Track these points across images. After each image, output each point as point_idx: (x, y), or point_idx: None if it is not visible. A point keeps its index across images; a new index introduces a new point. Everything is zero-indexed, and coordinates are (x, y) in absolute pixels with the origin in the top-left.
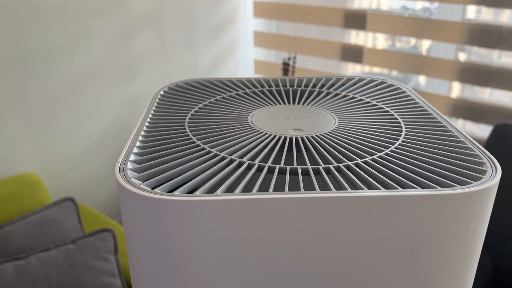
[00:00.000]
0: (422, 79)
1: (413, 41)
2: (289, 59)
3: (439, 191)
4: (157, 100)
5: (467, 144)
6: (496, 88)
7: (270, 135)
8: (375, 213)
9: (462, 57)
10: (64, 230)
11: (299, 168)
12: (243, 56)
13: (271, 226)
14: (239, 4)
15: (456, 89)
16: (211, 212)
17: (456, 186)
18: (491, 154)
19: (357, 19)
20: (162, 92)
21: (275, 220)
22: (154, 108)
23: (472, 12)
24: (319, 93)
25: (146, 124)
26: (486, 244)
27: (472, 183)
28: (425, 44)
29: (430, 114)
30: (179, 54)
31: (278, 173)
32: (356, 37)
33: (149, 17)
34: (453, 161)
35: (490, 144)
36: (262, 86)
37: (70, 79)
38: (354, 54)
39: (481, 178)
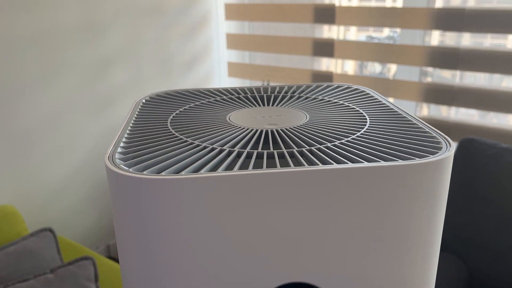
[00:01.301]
0: (390, 101)
1: (379, 68)
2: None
3: (400, 162)
4: (139, 107)
5: (425, 129)
6: (459, 106)
7: (247, 129)
8: (344, 185)
9: (426, 79)
10: (43, 261)
11: (275, 152)
12: (217, 85)
13: (251, 201)
14: (212, 36)
15: (423, 109)
16: (196, 189)
17: (415, 159)
18: (458, 167)
19: (326, 47)
20: (143, 101)
21: (255, 195)
22: (136, 113)
23: (432, 37)
24: (291, 97)
25: (130, 125)
26: (461, 254)
27: (429, 156)
28: (392, 70)
29: (392, 109)
30: (155, 86)
31: (256, 157)
32: (327, 65)
33: (125, 49)
34: (412, 141)
35: (457, 158)
36: (238, 93)
37: (47, 111)
38: (324, 79)
39: (437, 152)
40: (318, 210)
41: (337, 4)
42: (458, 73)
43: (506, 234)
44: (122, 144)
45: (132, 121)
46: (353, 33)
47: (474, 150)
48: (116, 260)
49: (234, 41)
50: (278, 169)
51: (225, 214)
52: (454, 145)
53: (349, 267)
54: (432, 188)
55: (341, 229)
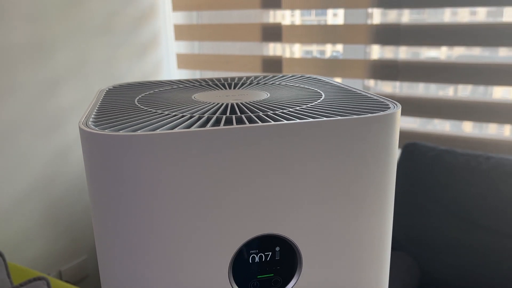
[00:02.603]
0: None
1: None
2: None
3: (355, 117)
4: (104, 93)
5: (374, 97)
6: (401, 114)
7: (214, 103)
8: (307, 138)
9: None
10: None
11: (243, 116)
12: None
13: (211, 157)
14: (162, 56)
15: None
16: (168, 145)
17: (368, 114)
18: (403, 170)
19: (274, 64)
20: (107, 89)
21: (217, 149)
22: (103, 95)
23: (372, 51)
24: (251, 83)
25: (98, 105)
26: (412, 252)
27: (380, 112)
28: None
29: (345, 87)
30: None
31: (225, 122)
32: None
33: (75, 68)
34: (364, 105)
35: (402, 161)
36: (200, 82)
37: None
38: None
39: (386, 110)
40: (275, 164)
41: (283, 23)
42: (398, 84)
43: (451, 230)
44: (93, 115)
45: (100, 101)
46: (298, 51)
47: (417, 153)
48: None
49: (184, 61)
50: (236, 126)
51: (189, 169)
52: (400, 106)
53: (313, 219)
54: (384, 141)
55: (302, 181)
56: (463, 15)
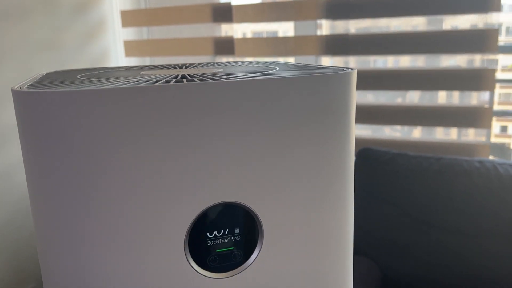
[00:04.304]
0: None
1: None
2: None
3: (313, 74)
4: (45, 73)
5: (330, 67)
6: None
7: (162, 74)
8: (267, 96)
9: None
10: None
11: (184, 79)
12: None
13: (167, 113)
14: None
15: None
16: (115, 100)
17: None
18: (359, 175)
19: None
20: (46, 72)
21: (169, 107)
22: (41, 76)
23: (323, 61)
24: (204, 65)
25: (35, 79)
26: (372, 255)
27: (335, 73)
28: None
29: (302, 64)
30: None
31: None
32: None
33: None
34: (320, 71)
35: (357, 166)
36: (150, 66)
37: None
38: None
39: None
40: (231, 125)
41: (235, 36)
42: None
43: (408, 231)
44: (29, 84)
45: (38, 78)
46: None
47: (371, 158)
48: None
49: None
50: (187, 83)
51: (137, 129)
52: (355, 71)
53: (273, 185)
54: (342, 100)
55: (260, 143)
56: (407, 24)
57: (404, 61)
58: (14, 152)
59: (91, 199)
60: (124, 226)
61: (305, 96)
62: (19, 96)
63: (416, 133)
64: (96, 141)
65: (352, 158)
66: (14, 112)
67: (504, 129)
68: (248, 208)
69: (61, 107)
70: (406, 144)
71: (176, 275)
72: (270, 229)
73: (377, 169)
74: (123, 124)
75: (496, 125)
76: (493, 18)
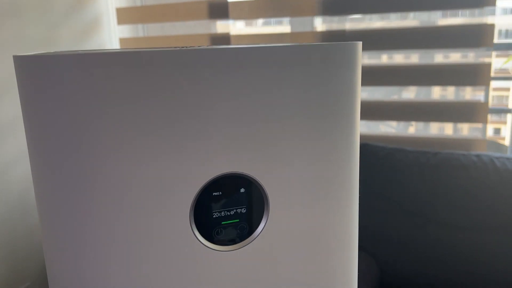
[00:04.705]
0: None
1: None
2: None
3: (321, 43)
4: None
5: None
6: None
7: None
8: (274, 64)
9: None
10: None
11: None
12: None
13: (170, 80)
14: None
15: None
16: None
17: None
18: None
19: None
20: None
21: (172, 72)
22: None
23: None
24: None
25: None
26: (370, 250)
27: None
28: None
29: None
30: None
31: None
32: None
33: (11, 82)
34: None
35: None
36: None
37: None
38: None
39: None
40: (238, 94)
41: (232, 33)
42: None
43: (406, 226)
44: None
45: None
46: None
47: (368, 153)
48: None
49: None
50: (190, 48)
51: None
52: (361, 43)
53: (279, 156)
54: (348, 69)
55: (268, 114)
56: (408, 20)
57: (399, 57)
58: (10, 150)
59: (97, 173)
60: (129, 198)
61: (314, 65)
62: (20, 61)
63: (412, 129)
64: (101, 109)
65: (358, 132)
66: (9, 109)
67: (497, 131)
68: (254, 179)
69: (63, 70)
70: (403, 140)
71: (182, 247)
72: (276, 202)
73: (375, 164)
74: (128, 88)
75: (489, 127)
76: (488, 21)
